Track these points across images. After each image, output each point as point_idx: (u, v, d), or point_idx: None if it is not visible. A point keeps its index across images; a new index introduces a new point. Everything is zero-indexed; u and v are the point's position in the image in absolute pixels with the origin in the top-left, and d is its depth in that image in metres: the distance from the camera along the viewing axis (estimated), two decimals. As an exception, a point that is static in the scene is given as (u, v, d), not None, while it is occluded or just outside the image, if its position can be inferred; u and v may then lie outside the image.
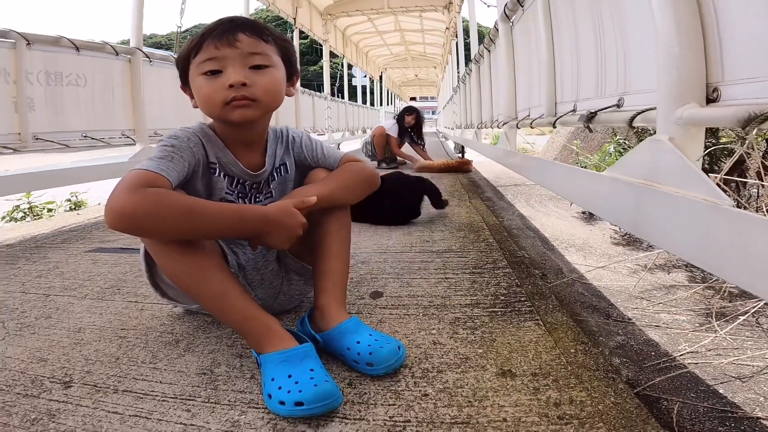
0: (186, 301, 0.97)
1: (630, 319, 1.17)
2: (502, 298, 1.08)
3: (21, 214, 3.39)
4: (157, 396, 0.73)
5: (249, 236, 0.78)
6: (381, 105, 15.09)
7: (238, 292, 0.77)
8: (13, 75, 2.14)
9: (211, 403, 0.71)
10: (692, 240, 0.72)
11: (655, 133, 0.95)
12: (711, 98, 0.85)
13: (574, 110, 1.51)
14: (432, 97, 34.28)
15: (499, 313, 1.00)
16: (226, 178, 0.89)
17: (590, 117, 1.26)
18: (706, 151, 1.75)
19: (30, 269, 1.49)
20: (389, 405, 0.70)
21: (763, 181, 2.08)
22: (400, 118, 4.61)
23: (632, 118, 1.04)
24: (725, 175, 2.02)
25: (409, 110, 4.66)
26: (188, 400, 0.72)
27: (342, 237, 0.91)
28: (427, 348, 0.86)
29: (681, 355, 0.96)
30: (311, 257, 0.92)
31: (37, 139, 2.25)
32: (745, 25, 0.75)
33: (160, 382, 0.77)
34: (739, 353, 0.96)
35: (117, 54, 2.68)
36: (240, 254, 0.95)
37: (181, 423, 0.66)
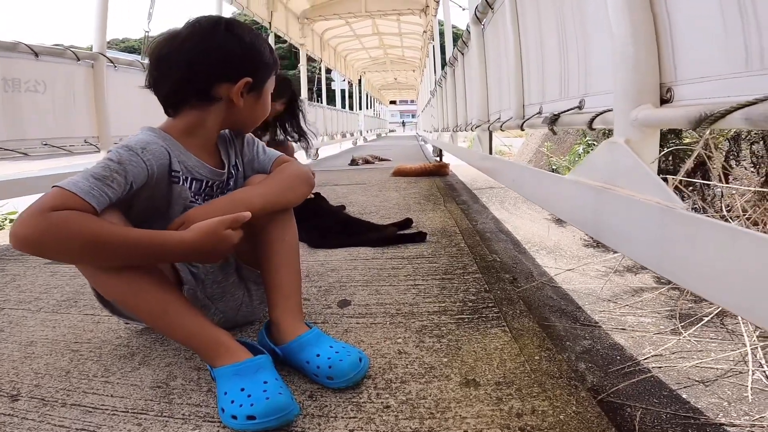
0: (136, 318, 0.93)
1: (597, 322, 1.18)
2: (470, 304, 1.08)
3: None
4: (107, 410, 0.71)
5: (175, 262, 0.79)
6: (360, 109, 15.07)
7: (180, 308, 0.75)
8: (-32, 81, 2.05)
9: (164, 417, 0.69)
10: (647, 244, 0.72)
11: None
12: (665, 99, 0.85)
13: (540, 112, 1.52)
14: (412, 101, 34.50)
15: (467, 320, 0.99)
16: (193, 183, 0.85)
17: (553, 119, 1.27)
18: (663, 153, 1.78)
19: (-16, 283, 1.42)
20: (349, 418, 0.68)
21: (726, 181, 2.14)
22: None
23: (591, 120, 1.05)
24: (687, 176, 2.07)
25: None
26: (140, 413, 0.70)
27: (287, 243, 0.88)
28: (392, 358, 0.85)
29: (645, 359, 0.97)
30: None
31: (-6, 147, 2.16)
32: (696, 23, 0.76)
33: (111, 395, 0.75)
34: (703, 356, 0.97)
35: (78, 59, 2.59)
36: (200, 267, 0.91)
37: (129, 439, 0.64)
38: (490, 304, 1.07)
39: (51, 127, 2.46)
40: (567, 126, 1.29)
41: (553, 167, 3.54)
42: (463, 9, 4.61)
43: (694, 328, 1.06)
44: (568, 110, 1.25)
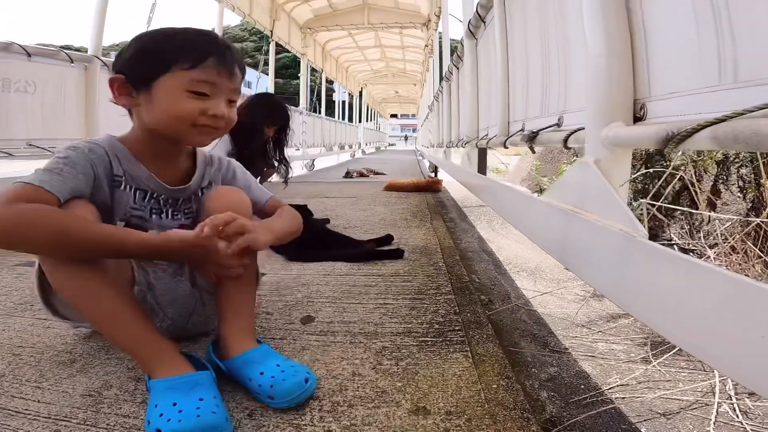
0: (76, 319, 0.90)
1: (566, 348, 1.14)
2: (437, 326, 1.04)
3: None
4: (29, 414, 0.69)
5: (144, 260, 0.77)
6: (360, 121, 15.14)
7: (132, 313, 0.73)
8: (-45, 79, 2.04)
9: (87, 425, 0.67)
10: (607, 271, 0.69)
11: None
12: (638, 116, 0.82)
13: (522, 129, 1.50)
14: (413, 115, 34.73)
15: (430, 342, 0.96)
16: (137, 192, 0.84)
17: (532, 137, 1.25)
18: (636, 174, 1.75)
19: (-54, 284, 1.38)
20: (286, 441, 0.64)
21: (714, 205, 2.11)
22: (249, 120, 1.96)
23: (566, 138, 1.03)
24: (673, 200, 2.05)
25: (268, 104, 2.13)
26: (62, 420, 0.68)
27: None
28: (344, 379, 0.81)
29: (610, 388, 0.93)
30: None
31: (-24, 145, 2.14)
32: (670, 34, 0.73)
33: (38, 401, 0.73)
34: (670, 386, 0.93)
35: (72, 61, 2.60)
36: (150, 272, 0.89)
37: (44, 445, 0.62)
38: (457, 327, 1.03)
39: (38, 128, 2.45)
40: (545, 144, 1.27)
41: (543, 188, 3.52)
42: (461, 21, 4.64)
43: (665, 357, 1.02)
44: (546, 128, 1.23)
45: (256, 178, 2.23)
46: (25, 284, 1.35)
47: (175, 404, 0.64)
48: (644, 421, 0.83)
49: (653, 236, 1.99)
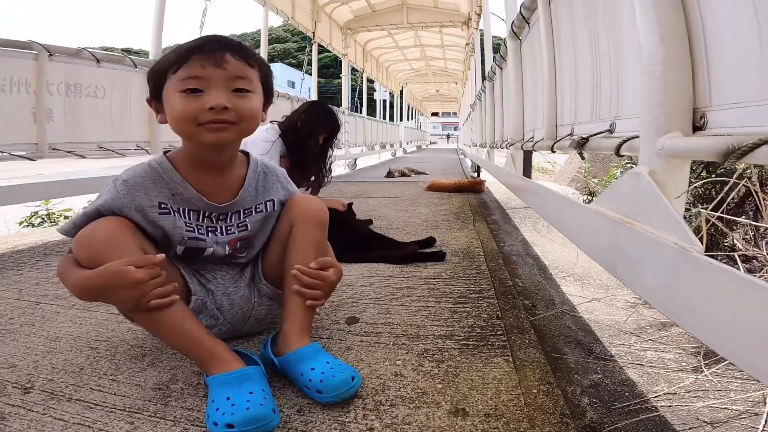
0: None
1: (612, 356, 1.12)
2: (479, 330, 1.05)
3: (39, 220, 3.53)
4: (106, 407, 0.75)
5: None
6: (401, 120, 15.15)
7: (179, 316, 0.78)
8: (34, 86, 2.24)
9: (157, 417, 0.72)
10: (658, 284, 0.68)
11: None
12: (698, 126, 0.79)
13: (571, 134, 1.47)
14: (454, 113, 34.32)
15: (471, 346, 0.97)
16: (190, 213, 0.88)
17: (582, 142, 1.22)
18: (695, 184, 1.66)
19: (30, 276, 1.53)
20: (331, 436, 0.68)
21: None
22: (305, 126, 2.10)
23: (618, 146, 1.00)
24: (734, 210, 1.92)
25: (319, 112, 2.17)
26: (135, 413, 0.73)
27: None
28: (387, 379, 0.84)
29: (655, 396, 0.91)
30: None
31: (53, 149, 2.34)
32: (731, 39, 0.70)
33: (115, 393, 0.79)
34: (720, 395, 0.89)
35: (136, 67, 2.78)
36: (210, 278, 0.95)
37: (119, 434, 0.68)
38: (499, 332, 1.04)
39: (108, 131, 2.64)
40: (596, 150, 1.24)
41: (593, 190, 3.39)
42: (503, 20, 4.54)
43: (718, 366, 0.98)
44: (597, 133, 1.20)
45: (308, 183, 2.30)
46: (97, 277, 1.47)
47: (228, 398, 0.69)
48: (688, 429, 0.80)
49: (713, 243, 1.89)
